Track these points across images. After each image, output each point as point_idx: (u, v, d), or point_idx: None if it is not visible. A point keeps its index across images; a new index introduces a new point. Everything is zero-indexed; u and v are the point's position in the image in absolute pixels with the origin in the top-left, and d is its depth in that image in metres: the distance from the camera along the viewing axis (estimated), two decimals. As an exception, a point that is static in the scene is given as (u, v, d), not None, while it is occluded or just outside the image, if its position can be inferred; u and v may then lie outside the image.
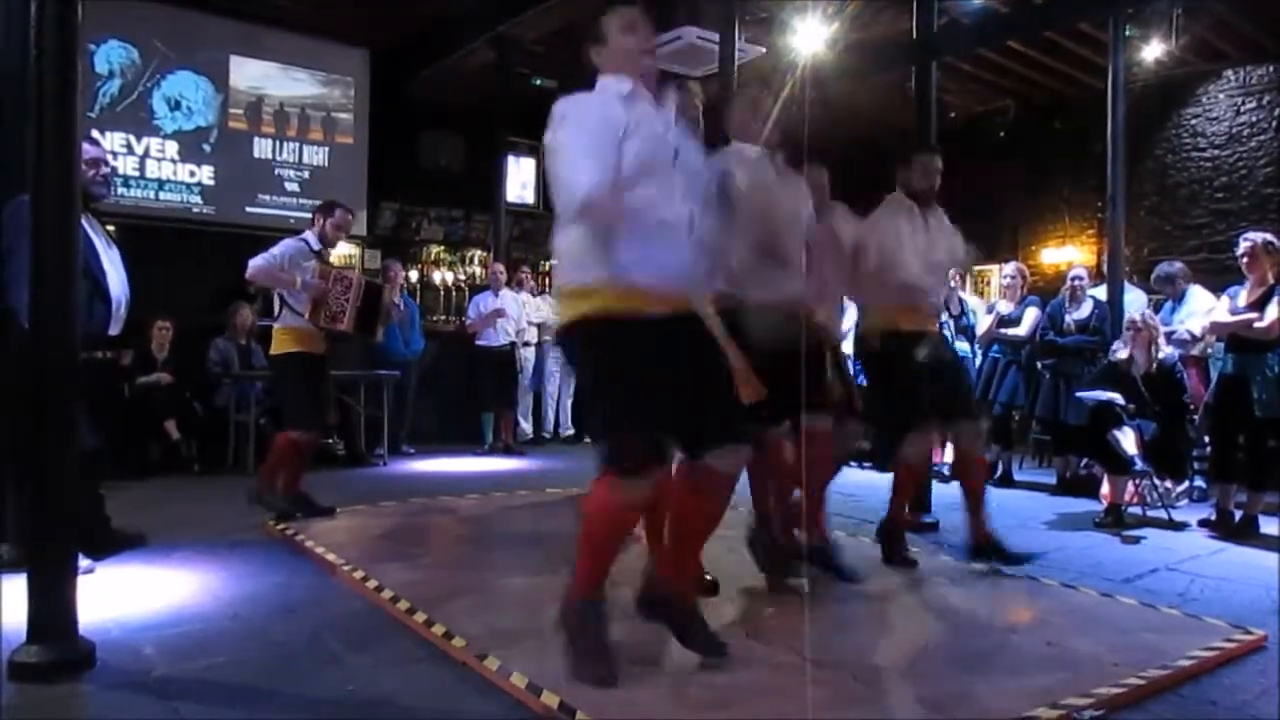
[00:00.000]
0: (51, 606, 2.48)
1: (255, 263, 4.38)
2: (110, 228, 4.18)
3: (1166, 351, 5.13)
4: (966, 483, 3.90)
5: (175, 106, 7.60)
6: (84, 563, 3.02)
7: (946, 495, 5.61)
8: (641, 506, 2.50)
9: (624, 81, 2.51)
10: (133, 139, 7.39)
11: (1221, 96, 8.01)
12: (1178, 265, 6.19)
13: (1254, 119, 7.81)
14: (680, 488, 2.58)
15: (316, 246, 4.56)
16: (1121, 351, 5.21)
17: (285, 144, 8.21)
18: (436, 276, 9.20)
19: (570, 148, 2.38)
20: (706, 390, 2.50)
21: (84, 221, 3.05)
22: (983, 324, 6.44)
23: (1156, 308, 6.02)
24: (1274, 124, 7.70)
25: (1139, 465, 4.83)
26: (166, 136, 7.55)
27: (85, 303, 3.13)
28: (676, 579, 2.64)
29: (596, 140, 2.36)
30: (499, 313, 7.52)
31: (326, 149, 8.42)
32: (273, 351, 4.57)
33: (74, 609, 2.52)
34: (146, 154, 7.45)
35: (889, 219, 3.73)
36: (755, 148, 3.24)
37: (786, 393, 3.08)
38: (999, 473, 6.28)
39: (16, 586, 2.51)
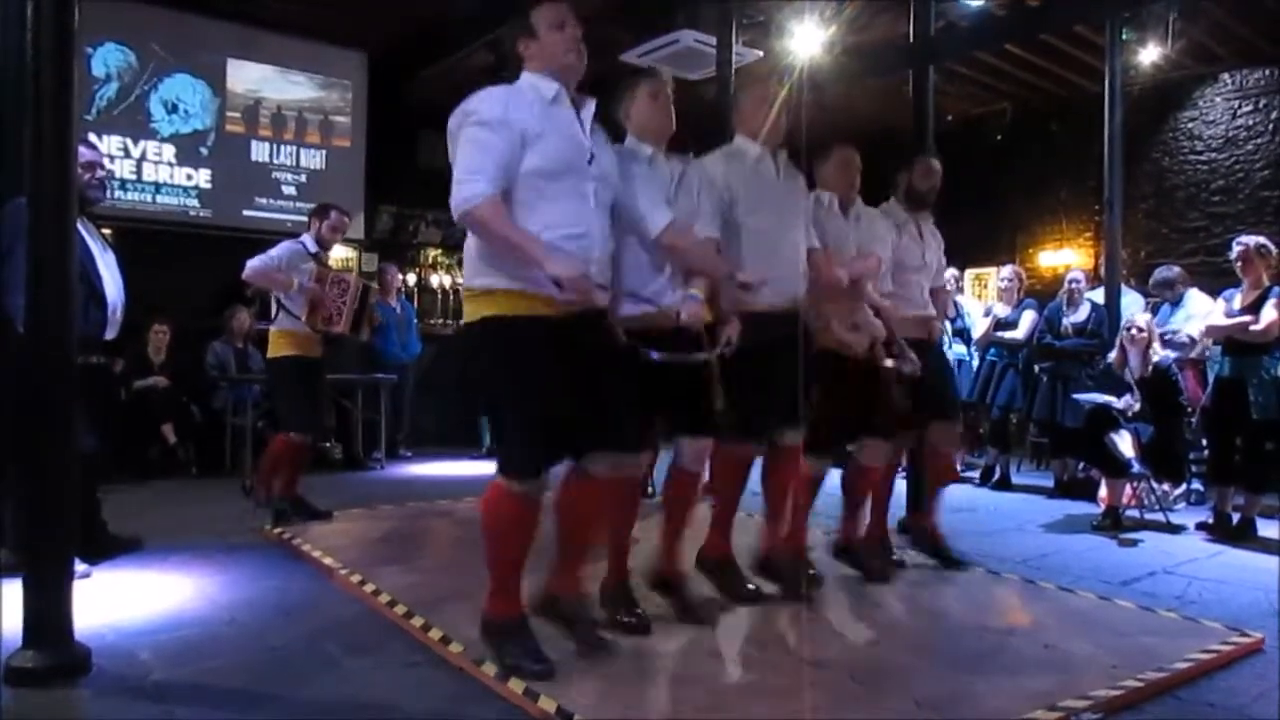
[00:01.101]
0: (47, 611, 2.47)
1: (253, 264, 4.38)
2: (107, 231, 4.19)
3: (1162, 355, 5.14)
4: (934, 480, 3.96)
5: (172, 109, 7.59)
6: (80, 567, 3.01)
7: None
8: (535, 507, 2.48)
9: (549, 83, 2.50)
10: (130, 142, 7.37)
11: (1218, 100, 8.02)
12: (1176, 269, 6.21)
13: (1251, 122, 7.82)
14: (563, 492, 2.58)
15: (313, 249, 4.56)
16: (1113, 353, 5.23)
17: (282, 147, 8.19)
18: (434, 280, 9.18)
19: (465, 150, 2.38)
20: (596, 396, 2.47)
21: (80, 225, 3.04)
22: (980, 327, 6.44)
23: (1154, 310, 6.03)
24: (1271, 127, 7.71)
25: (1136, 468, 4.83)
26: (163, 139, 7.54)
27: (81, 307, 3.12)
28: (562, 580, 2.62)
29: (493, 147, 2.36)
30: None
31: (324, 152, 8.41)
32: (269, 354, 4.59)
33: (70, 613, 2.51)
34: (143, 157, 7.44)
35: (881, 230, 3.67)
36: (756, 146, 3.21)
37: (783, 402, 3.08)
38: (997, 476, 6.29)
39: (12, 591, 2.50)
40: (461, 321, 2.56)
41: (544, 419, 2.40)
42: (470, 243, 2.50)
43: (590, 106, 2.60)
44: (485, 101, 2.43)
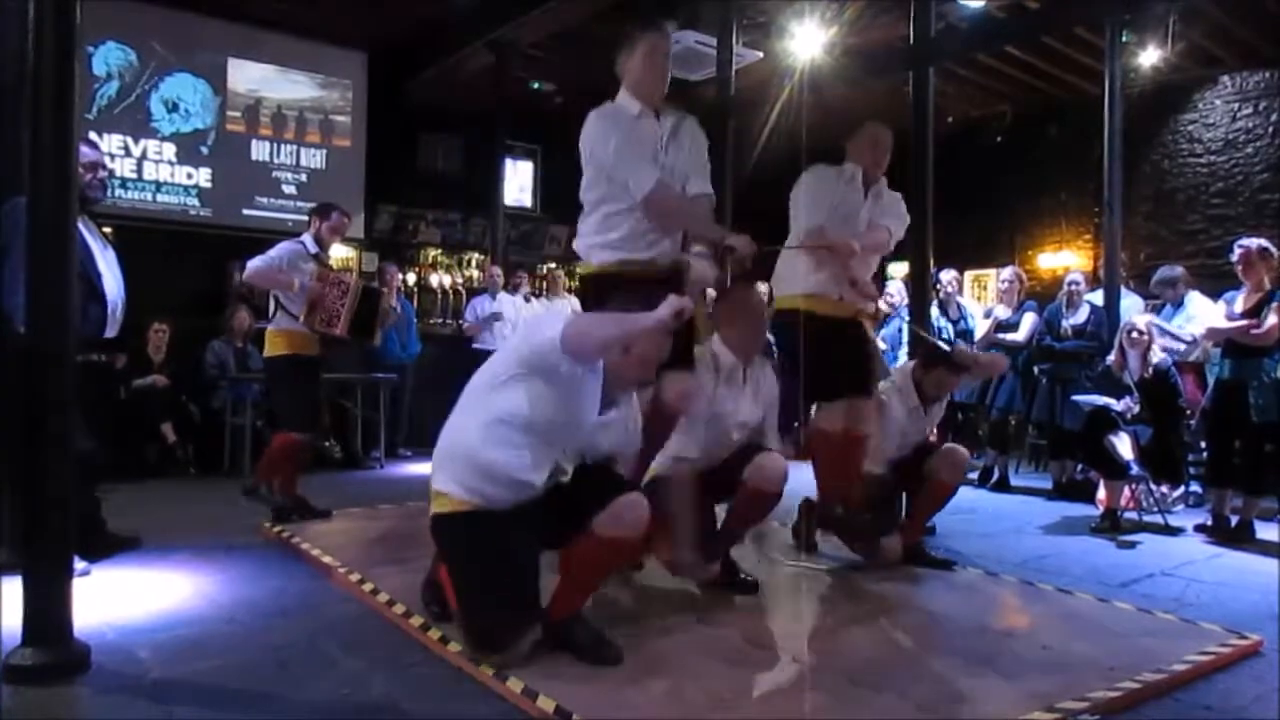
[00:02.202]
0: (47, 609, 2.47)
1: (254, 264, 4.38)
2: (107, 230, 4.18)
3: (1161, 357, 5.14)
4: (933, 505, 3.98)
5: (173, 109, 7.60)
6: (79, 565, 3.02)
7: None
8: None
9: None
10: (130, 141, 7.38)
11: (1218, 102, 8.03)
12: (1179, 269, 6.21)
13: (1250, 125, 7.83)
14: (580, 549, 2.57)
15: (314, 249, 4.55)
16: (1112, 355, 5.23)
17: (283, 146, 8.20)
18: (434, 279, 9.18)
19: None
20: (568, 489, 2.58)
21: (80, 224, 3.04)
22: (980, 329, 6.45)
23: (1155, 312, 6.03)
24: (1270, 130, 7.72)
25: (1135, 470, 4.83)
26: (164, 139, 7.55)
27: (81, 305, 3.12)
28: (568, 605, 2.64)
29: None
30: (496, 316, 7.52)
31: (324, 151, 8.42)
32: (266, 353, 4.58)
33: (69, 612, 2.51)
34: (144, 156, 7.45)
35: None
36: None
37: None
38: (996, 477, 6.29)
39: (12, 589, 2.50)
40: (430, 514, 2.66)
41: (513, 595, 2.52)
42: (443, 448, 2.59)
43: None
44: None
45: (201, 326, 6.87)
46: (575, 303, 2.67)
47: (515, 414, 2.46)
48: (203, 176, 7.74)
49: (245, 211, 7.95)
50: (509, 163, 9.01)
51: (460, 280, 9.44)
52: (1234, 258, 4.82)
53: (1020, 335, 6.19)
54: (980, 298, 8.60)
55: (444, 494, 2.56)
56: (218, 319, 6.89)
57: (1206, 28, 7.07)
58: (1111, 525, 4.82)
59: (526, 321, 2.58)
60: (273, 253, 4.40)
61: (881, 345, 6.27)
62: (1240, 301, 4.74)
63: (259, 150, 8.08)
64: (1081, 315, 6.05)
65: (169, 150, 7.57)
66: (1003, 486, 6.24)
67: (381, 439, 7.06)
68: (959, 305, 6.68)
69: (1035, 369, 6.16)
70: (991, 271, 8.35)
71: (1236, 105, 7.93)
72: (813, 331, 3.45)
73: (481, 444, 2.48)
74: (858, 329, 3.74)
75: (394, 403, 7.33)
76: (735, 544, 3.45)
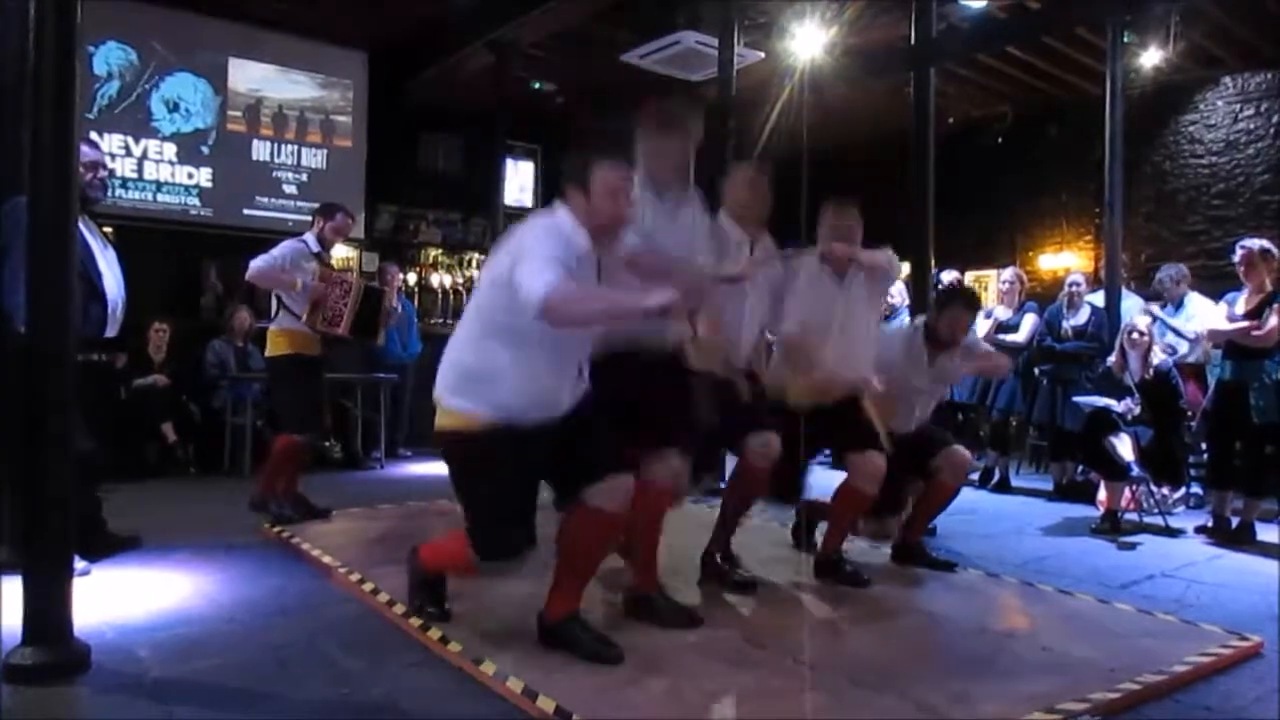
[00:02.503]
0: (47, 609, 2.47)
1: (256, 264, 4.36)
2: (108, 229, 4.18)
3: (1161, 359, 5.14)
4: (934, 507, 4.00)
5: (174, 108, 7.60)
6: (80, 565, 3.02)
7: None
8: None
9: (582, 237, 2.54)
10: (131, 141, 7.38)
11: (1219, 103, 8.03)
12: (1183, 268, 6.21)
13: (1252, 126, 7.82)
14: (571, 524, 2.64)
15: (316, 249, 4.55)
16: (1112, 356, 5.23)
17: (284, 146, 8.20)
18: (434, 279, 9.18)
19: (538, 256, 2.41)
20: (575, 437, 2.60)
21: (80, 223, 3.04)
22: (981, 330, 6.44)
23: (1160, 307, 6.02)
24: (1272, 131, 7.71)
25: (1136, 471, 4.82)
26: (165, 138, 7.55)
27: (81, 305, 3.12)
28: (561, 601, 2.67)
29: (559, 256, 2.42)
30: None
31: (325, 151, 8.42)
32: (268, 353, 4.56)
33: (69, 611, 2.52)
34: (145, 156, 7.45)
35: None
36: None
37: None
38: (996, 478, 6.28)
39: (12, 588, 2.50)
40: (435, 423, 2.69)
41: (513, 511, 2.60)
42: (450, 359, 2.63)
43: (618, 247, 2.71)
44: (541, 229, 2.54)
45: (202, 326, 6.87)
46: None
47: (510, 333, 2.51)
48: (203, 176, 7.73)
49: (246, 211, 7.95)
50: (509, 162, 9.00)
51: (461, 280, 9.44)
52: (1235, 259, 4.81)
53: (1021, 336, 6.19)
54: (980, 299, 8.58)
55: (456, 412, 2.58)
56: (218, 318, 6.87)
57: (1207, 28, 7.07)
58: (1112, 526, 4.82)
59: (519, 241, 2.54)
60: (275, 252, 4.39)
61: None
62: (1241, 303, 4.74)
63: (260, 150, 8.08)
64: (1082, 316, 6.04)
65: (170, 150, 7.57)
66: (1003, 488, 6.24)
67: (382, 439, 7.06)
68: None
69: (1036, 370, 6.16)
70: (992, 272, 8.34)
71: (1238, 106, 7.92)
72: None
73: (481, 357, 2.55)
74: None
75: (394, 403, 7.33)
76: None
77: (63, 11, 2.52)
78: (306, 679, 2.50)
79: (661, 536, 2.99)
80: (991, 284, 8.49)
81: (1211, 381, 5.35)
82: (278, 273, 4.35)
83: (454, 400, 2.59)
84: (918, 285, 5.24)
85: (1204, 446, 5.39)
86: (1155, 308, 6.09)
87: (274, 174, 8.15)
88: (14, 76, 3.40)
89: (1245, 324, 4.62)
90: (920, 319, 4.07)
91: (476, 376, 2.56)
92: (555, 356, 2.54)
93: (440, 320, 8.95)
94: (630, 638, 2.73)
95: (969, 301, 3.96)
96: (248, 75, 7.96)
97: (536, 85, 8.67)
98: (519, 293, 2.37)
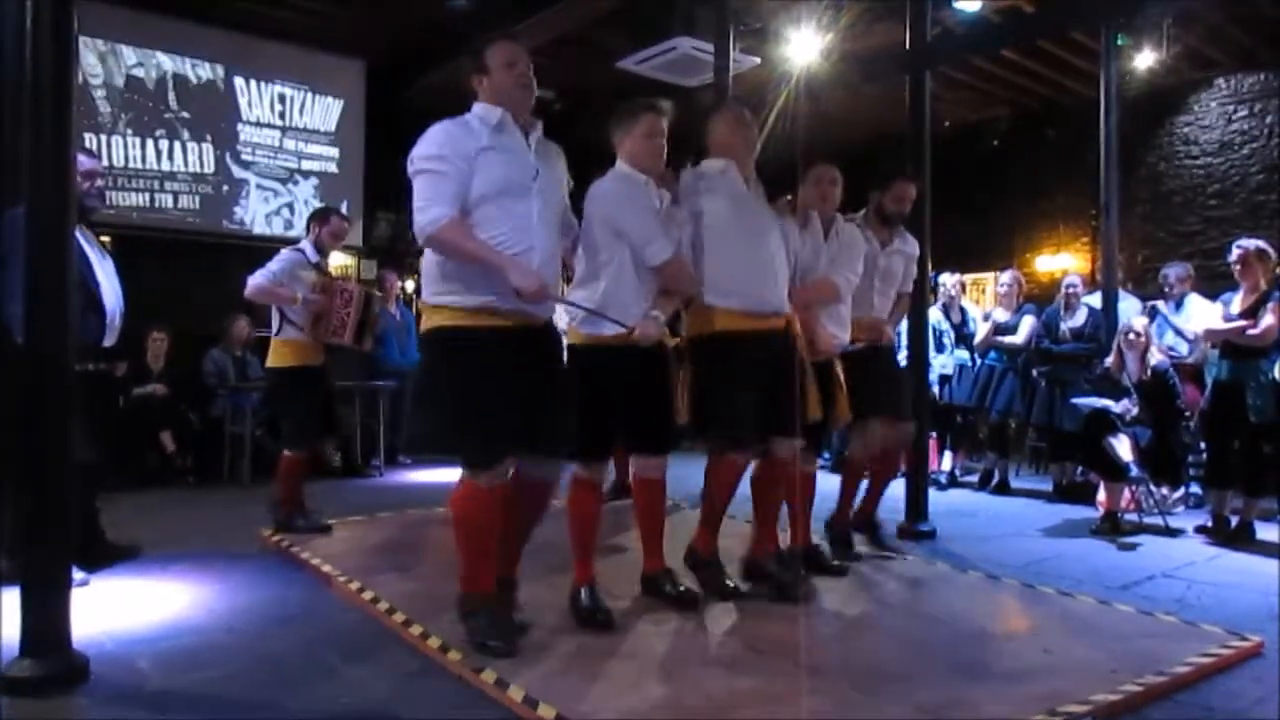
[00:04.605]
0: (45, 619, 2.47)
1: (254, 281, 4.30)
2: (105, 238, 4.18)
3: (1159, 359, 5.14)
4: (877, 473, 4.12)
5: (174, 113, 7.60)
6: (78, 575, 3.02)
7: (944, 502, 5.62)
8: (497, 495, 2.65)
9: (494, 111, 2.72)
10: (130, 149, 7.38)
11: (1214, 104, 8.05)
12: (1186, 266, 6.22)
13: (1246, 126, 7.84)
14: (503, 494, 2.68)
15: (314, 257, 4.53)
16: (1110, 357, 5.23)
17: (282, 154, 8.21)
18: (433, 286, 9.19)
19: (419, 185, 2.61)
20: (538, 401, 2.67)
21: (78, 233, 3.05)
22: (979, 332, 6.45)
23: (1152, 314, 6.03)
24: (1266, 132, 7.73)
25: (1135, 472, 4.83)
26: (163, 146, 7.55)
27: (79, 314, 3.12)
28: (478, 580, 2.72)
29: (443, 177, 2.59)
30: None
31: (323, 159, 8.43)
32: (270, 364, 4.51)
33: (68, 622, 2.51)
34: (144, 163, 7.45)
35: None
36: (721, 162, 3.24)
37: (766, 410, 3.16)
38: (996, 480, 6.29)
39: (11, 599, 2.50)
40: (420, 329, 2.79)
41: (495, 413, 2.58)
42: (427, 260, 2.72)
43: (538, 128, 2.83)
44: (428, 142, 2.65)
45: (200, 335, 6.86)
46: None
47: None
48: (202, 184, 7.74)
49: (244, 219, 7.95)
50: (507, 169, 8.99)
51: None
52: (1232, 259, 4.82)
53: (1019, 338, 6.19)
54: (978, 301, 8.60)
55: (440, 306, 2.67)
56: (216, 327, 6.86)
57: (1201, 30, 7.09)
58: (1112, 527, 4.82)
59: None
60: (273, 266, 4.34)
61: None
62: (1237, 302, 4.75)
63: (258, 157, 8.09)
64: (1080, 318, 6.05)
65: (167, 158, 7.57)
66: (1003, 489, 6.24)
67: (381, 446, 7.05)
68: (961, 309, 6.69)
69: (1034, 371, 6.16)
70: (989, 275, 8.35)
71: (1232, 107, 7.94)
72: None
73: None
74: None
75: (394, 410, 7.32)
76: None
77: (60, 22, 2.53)
78: (306, 688, 2.49)
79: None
80: (989, 286, 8.51)
81: (1209, 381, 5.35)
82: (275, 288, 4.31)
83: (435, 298, 2.68)
84: (916, 286, 5.23)
85: (1202, 446, 5.39)
86: (1160, 304, 6.10)
87: (272, 181, 8.16)
88: (12, 86, 3.40)
89: (1241, 323, 4.64)
90: (861, 213, 4.06)
91: (453, 270, 2.64)
92: (513, 225, 2.64)
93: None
94: (631, 643, 2.73)
95: (908, 178, 4.09)
96: (245, 84, 7.97)
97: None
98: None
